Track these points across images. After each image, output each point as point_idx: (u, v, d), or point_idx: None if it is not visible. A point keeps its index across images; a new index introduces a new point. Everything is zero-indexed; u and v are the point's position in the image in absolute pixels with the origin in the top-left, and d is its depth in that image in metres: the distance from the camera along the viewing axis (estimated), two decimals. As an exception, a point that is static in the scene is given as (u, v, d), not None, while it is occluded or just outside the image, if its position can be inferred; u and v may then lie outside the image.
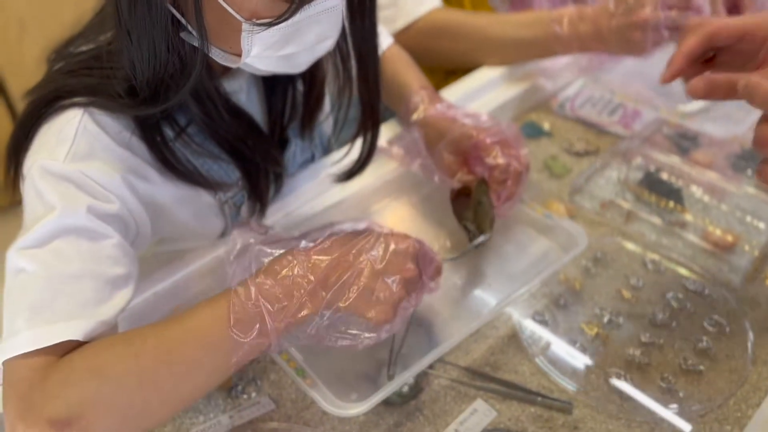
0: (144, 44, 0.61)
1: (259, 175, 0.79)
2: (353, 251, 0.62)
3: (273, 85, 0.82)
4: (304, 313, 0.59)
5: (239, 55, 0.64)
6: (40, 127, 0.66)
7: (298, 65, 0.68)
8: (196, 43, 0.62)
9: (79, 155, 0.63)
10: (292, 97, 0.83)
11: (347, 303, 0.60)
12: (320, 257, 0.61)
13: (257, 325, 0.58)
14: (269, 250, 0.64)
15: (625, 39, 1.00)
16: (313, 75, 0.83)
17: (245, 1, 0.59)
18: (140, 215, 0.68)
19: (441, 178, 0.86)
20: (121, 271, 0.62)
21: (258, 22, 0.60)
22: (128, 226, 0.67)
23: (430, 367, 0.71)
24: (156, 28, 0.61)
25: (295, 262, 0.60)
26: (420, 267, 0.64)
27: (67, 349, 0.57)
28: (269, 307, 0.58)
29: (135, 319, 0.74)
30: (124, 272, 0.63)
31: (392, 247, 0.63)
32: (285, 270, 0.60)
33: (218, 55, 0.66)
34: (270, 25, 0.60)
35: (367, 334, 0.61)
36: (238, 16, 0.60)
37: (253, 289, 0.59)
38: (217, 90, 0.71)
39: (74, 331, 0.56)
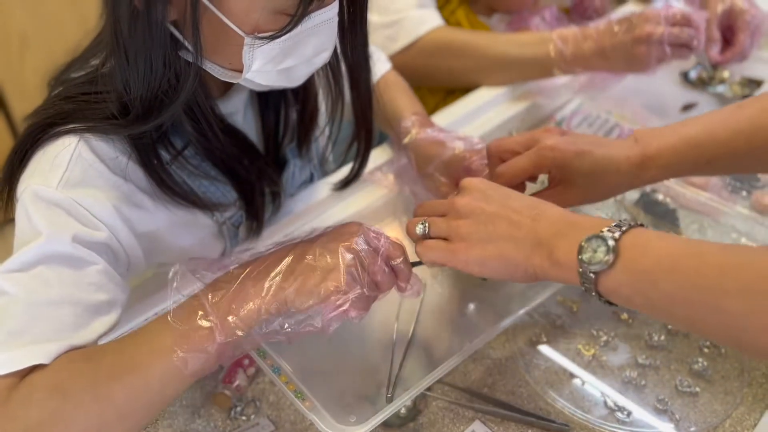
0: (140, 62, 0.62)
1: (255, 194, 0.79)
2: (296, 242, 0.63)
3: (267, 104, 0.83)
4: (250, 305, 0.58)
5: (239, 71, 0.65)
6: (35, 152, 0.67)
7: (297, 78, 0.70)
8: (192, 59, 0.63)
9: (72, 182, 0.64)
10: (285, 115, 0.85)
11: (292, 287, 0.59)
12: (262, 257, 0.62)
13: (196, 313, 0.58)
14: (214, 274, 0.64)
15: (629, 55, 1.01)
16: (306, 91, 0.84)
17: (246, 16, 0.60)
18: (131, 246, 0.69)
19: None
20: (103, 297, 0.63)
21: (260, 36, 0.61)
22: (117, 255, 0.68)
23: (429, 388, 0.71)
24: (154, 46, 0.61)
25: (236, 264, 0.62)
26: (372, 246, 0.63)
27: (30, 370, 0.57)
28: (209, 297, 0.59)
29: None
30: (107, 298, 0.63)
31: (331, 229, 0.64)
32: (227, 273, 0.62)
33: (218, 72, 0.67)
34: (272, 38, 0.61)
35: (330, 313, 0.59)
36: (239, 31, 0.61)
37: (194, 291, 0.60)
38: (212, 110, 0.72)
39: (43, 355, 0.57)
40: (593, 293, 0.54)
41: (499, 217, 0.59)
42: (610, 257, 0.52)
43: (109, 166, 0.67)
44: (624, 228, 0.53)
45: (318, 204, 0.91)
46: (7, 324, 0.58)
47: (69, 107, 0.68)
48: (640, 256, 0.52)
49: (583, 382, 0.73)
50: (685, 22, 1.00)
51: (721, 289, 0.47)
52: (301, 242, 0.64)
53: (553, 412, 0.70)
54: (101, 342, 0.62)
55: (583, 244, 0.53)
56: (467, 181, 0.65)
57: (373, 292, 0.61)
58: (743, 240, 0.90)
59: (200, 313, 0.58)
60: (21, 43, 1.86)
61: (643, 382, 0.73)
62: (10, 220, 0.67)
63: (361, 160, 0.87)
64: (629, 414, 0.70)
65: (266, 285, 0.59)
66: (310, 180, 0.95)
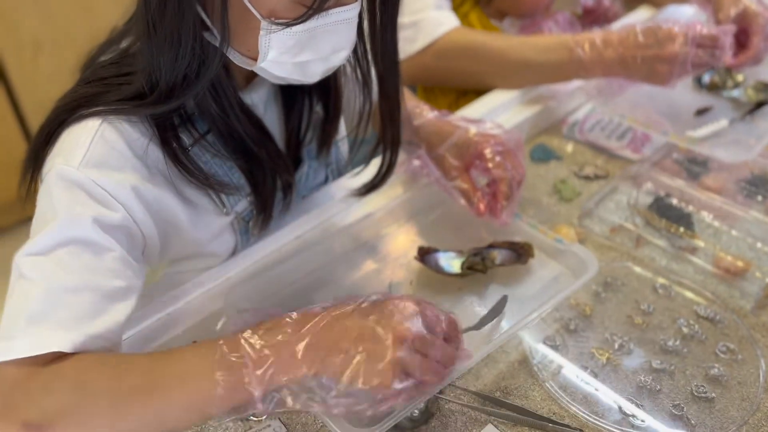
0: (169, 42, 0.64)
1: (266, 182, 0.79)
2: (348, 310, 0.59)
3: (292, 104, 0.83)
4: (297, 372, 0.56)
5: (256, 58, 0.66)
6: (60, 133, 0.68)
7: (312, 74, 0.70)
8: (217, 44, 0.64)
9: (93, 162, 0.65)
10: (308, 117, 0.85)
11: (341, 371, 0.56)
12: (314, 318, 0.58)
13: (238, 375, 0.56)
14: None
15: (650, 70, 1.02)
16: (332, 93, 0.85)
17: (266, 1, 0.62)
18: (148, 227, 0.69)
19: (439, 179, 0.88)
20: (121, 283, 0.63)
21: (276, 21, 0.62)
22: (134, 238, 0.68)
23: (441, 391, 0.71)
24: (183, 27, 0.63)
25: (287, 320, 0.59)
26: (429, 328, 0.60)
27: (53, 357, 0.58)
28: (253, 356, 0.56)
29: (145, 341, 0.75)
30: (124, 285, 0.64)
31: (388, 305, 0.59)
32: (275, 328, 0.58)
33: (236, 58, 0.68)
34: (288, 25, 0.62)
35: (380, 407, 0.57)
36: (257, 14, 0.62)
37: (239, 340, 0.57)
38: (234, 92, 0.72)
39: (64, 344, 0.58)
40: None
41: None
42: None
43: (131, 147, 0.68)
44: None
45: (332, 206, 0.91)
46: (28, 308, 0.58)
47: (95, 90, 0.69)
48: None
49: (597, 387, 0.72)
50: (711, 43, 1.00)
51: None
52: (354, 311, 0.59)
53: (566, 417, 0.70)
54: (122, 333, 0.63)
55: None
56: None
57: (433, 376, 0.58)
58: (759, 245, 0.89)
59: (246, 378, 0.56)
60: (34, 48, 1.88)
61: (658, 387, 0.72)
62: (23, 222, 0.67)
63: (388, 165, 0.86)
64: (644, 419, 0.69)
65: (308, 353, 0.56)
66: (325, 182, 0.95)
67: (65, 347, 0.58)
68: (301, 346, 0.57)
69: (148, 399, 0.57)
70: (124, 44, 0.72)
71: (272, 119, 0.82)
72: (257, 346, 0.57)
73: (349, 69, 0.84)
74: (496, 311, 0.76)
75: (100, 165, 0.65)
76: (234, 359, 0.56)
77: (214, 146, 0.74)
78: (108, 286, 0.62)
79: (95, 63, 0.73)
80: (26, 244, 0.61)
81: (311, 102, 0.84)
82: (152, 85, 0.66)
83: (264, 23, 0.63)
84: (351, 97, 0.85)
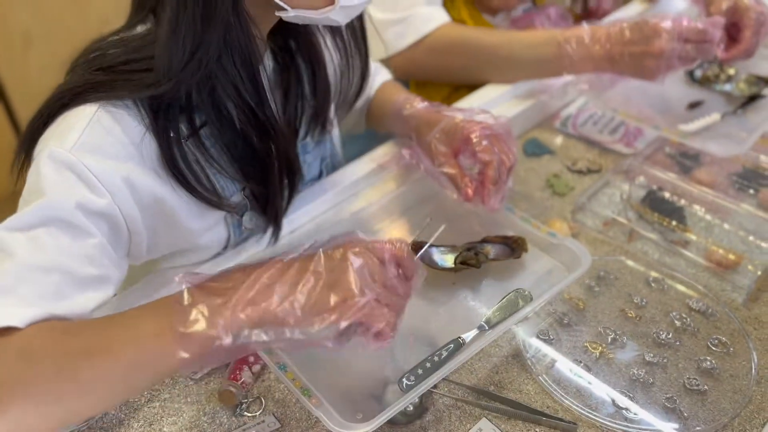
0: (200, 17, 0.63)
1: (270, 178, 0.77)
2: (296, 254, 0.58)
3: (286, 92, 0.83)
4: (258, 310, 0.54)
5: (331, 3, 0.68)
6: (58, 115, 0.67)
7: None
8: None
9: (86, 146, 0.64)
10: (302, 103, 0.85)
11: (302, 296, 0.55)
12: (264, 264, 0.57)
13: (199, 315, 0.53)
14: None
15: (637, 65, 1.02)
16: (320, 81, 0.86)
17: None
18: (133, 219, 0.69)
19: (429, 168, 0.88)
20: (94, 271, 0.63)
21: None
22: (119, 228, 0.68)
23: (435, 386, 0.71)
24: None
25: (236, 268, 0.58)
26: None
27: (7, 331, 0.56)
28: (212, 300, 0.54)
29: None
30: (98, 273, 0.63)
31: (331, 239, 0.59)
32: (225, 277, 0.57)
33: (311, 16, 0.69)
34: None
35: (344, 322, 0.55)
36: None
37: (194, 289, 0.56)
38: (256, 63, 0.71)
39: (18, 319, 0.56)
40: None
41: None
42: None
43: (127, 134, 0.67)
44: None
45: (325, 200, 0.91)
46: None
47: (102, 78, 0.68)
48: None
49: (591, 380, 0.73)
50: (699, 37, 1.00)
51: None
52: (304, 253, 0.59)
53: (560, 410, 0.70)
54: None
55: None
56: None
57: (386, 299, 0.57)
58: (751, 238, 0.89)
59: (202, 314, 0.54)
60: (24, 41, 1.86)
61: (651, 380, 0.72)
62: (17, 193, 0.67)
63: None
64: (637, 412, 0.69)
65: (274, 291, 0.55)
66: (318, 178, 0.95)
67: (17, 322, 0.56)
68: (259, 282, 0.55)
69: (98, 359, 0.54)
70: (140, 28, 0.71)
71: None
72: (213, 290, 0.55)
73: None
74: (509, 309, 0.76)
75: (93, 150, 0.65)
76: (189, 305, 0.54)
77: (208, 144, 0.73)
78: (81, 272, 0.62)
79: (104, 44, 0.71)
80: (8, 219, 0.61)
81: (302, 88, 0.84)
82: (167, 67, 0.65)
83: None
84: (332, 76, 0.86)
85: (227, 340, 0.53)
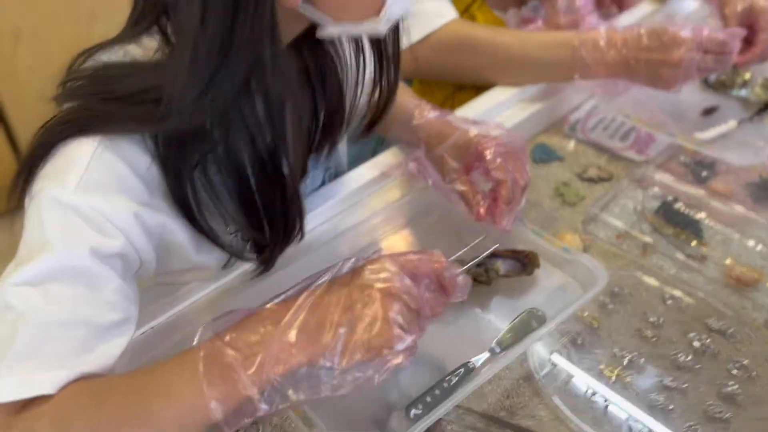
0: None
1: (275, 227, 0.72)
2: (326, 283, 0.56)
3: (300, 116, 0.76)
4: (291, 360, 0.53)
5: (376, 13, 0.63)
6: (57, 147, 0.60)
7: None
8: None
9: (90, 185, 0.58)
10: (317, 122, 0.79)
11: (332, 341, 0.53)
12: (293, 304, 0.55)
13: (229, 381, 0.52)
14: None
15: (654, 74, 0.99)
16: (334, 100, 0.80)
17: None
18: (147, 252, 0.64)
19: (437, 182, 0.84)
20: (117, 316, 0.58)
21: None
22: (131, 262, 0.63)
23: (443, 412, 0.67)
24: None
25: (266, 313, 0.56)
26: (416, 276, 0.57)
27: (39, 398, 0.53)
28: (239, 357, 0.53)
29: (134, 354, 0.70)
30: (121, 317, 0.59)
31: (359, 264, 0.57)
32: (254, 324, 0.55)
33: (350, 29, 0.64)
34: None
35: (382, 373, 0.54)
36: None
37: (220, 345, 0.54)
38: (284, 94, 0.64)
39: (51, 384, 0.53)
40: None
41: None
42: None
43: (131, 165, 0.61)
44: None
45: (327, 209, 0.87)
46: (16, 345, 0.53)
47: (109, 109, 0.61)
48: None
49: (607, 406, 0.69)
50: (719, 49, 0.96)
51: None
52: (332, 284, 0.57)
53: (575, 439, 0.66)
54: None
55: None
56: None
57: (424, 330, 0.56)
58: (770, 252, 0.86)
59: (240, 383, 0.52)
60: (14, 39, 1.81)
61: (671, 407, 0.69)
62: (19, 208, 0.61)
63: (387, 98, 0.80)
64: (657, 441, 0.66)
65: (299, 338, 0.53)
66: (321, 185, 0.90)
67: (49, 389, 0.53)
68: (290, 335, 0.53)
69: (134, 421, 0.52)
70: (136, 50, 0.64)
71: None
72: (240, 346, 0.53)
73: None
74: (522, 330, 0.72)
75: (97, 188, 0.58)
76: (220, 365, 0.52)
77: (215, 180, 0.66)
78: (104, 321, 0.57)
79: (106, 68, 0.64)
80: (14, 272, 0.55)
81: (317, 106, 0.78)
82: (178, 103, 0.57)
83: None
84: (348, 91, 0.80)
85: (263, 408, 0.53)
